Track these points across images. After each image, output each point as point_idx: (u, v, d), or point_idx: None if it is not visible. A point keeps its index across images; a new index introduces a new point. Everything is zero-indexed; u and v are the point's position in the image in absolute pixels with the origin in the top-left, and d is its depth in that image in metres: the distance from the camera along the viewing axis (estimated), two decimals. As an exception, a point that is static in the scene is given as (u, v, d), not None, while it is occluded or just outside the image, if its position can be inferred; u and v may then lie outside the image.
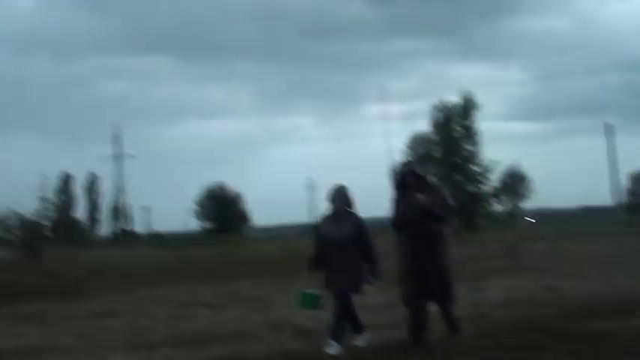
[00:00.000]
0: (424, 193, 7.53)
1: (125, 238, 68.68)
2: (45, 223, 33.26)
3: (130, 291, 15.63)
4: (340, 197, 7.81)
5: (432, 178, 8.03)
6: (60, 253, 31.24)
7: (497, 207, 47.23)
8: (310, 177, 77.34)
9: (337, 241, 7.58)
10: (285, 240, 41.76)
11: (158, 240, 60.57)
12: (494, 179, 44.75)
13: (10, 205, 26.26)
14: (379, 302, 10.15)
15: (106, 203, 77.71)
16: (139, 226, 78.42)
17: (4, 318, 11.86)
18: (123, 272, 21.85)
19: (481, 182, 44.07)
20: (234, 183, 70.62)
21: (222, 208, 67.79)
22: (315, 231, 8.15)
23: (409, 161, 8.49)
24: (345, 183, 7.93)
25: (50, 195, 28.65)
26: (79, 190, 78.10)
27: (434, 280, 7.44)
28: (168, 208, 78.48)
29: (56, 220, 57.53)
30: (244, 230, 68.47)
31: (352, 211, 7.81)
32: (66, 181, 75.59)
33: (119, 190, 75.73)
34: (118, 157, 76.21)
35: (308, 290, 7.88)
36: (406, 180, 7.71)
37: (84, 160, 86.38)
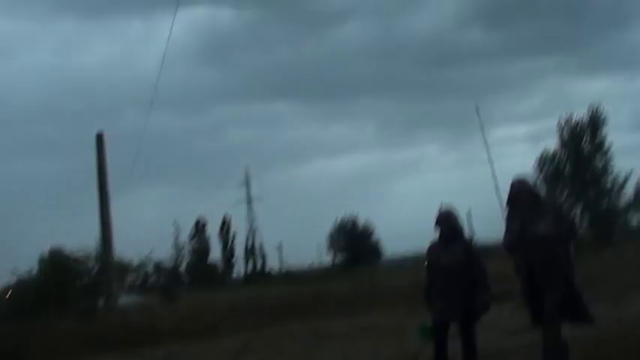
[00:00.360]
0: (539, 213, 6.94)
1: (259, 277, 69.77)
2: (180, 268, 34.17)
3: (264, 328, 15.56)
4: (448, 221, 7.45)
5: (548, 198, 7.33)
6: (196, 296, 32.01)
7: (635, 220, 44.85)
8: (440, 204, 75.88)
9: (447, 267, 7.23)
10: (419, 270, 40.88)
11: (291, 276, 61.16)
12: (629, 192, 42.33)
13: (147, 252, 27.02)
14: (516, 325, 9.46)
15: (239, 245, 79.46)
16: (272, 265, 79.66)
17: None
18: (256, 310, 21.88)
19: (615, 196, 42.01)
20: (364, 215, 70.71)
21: (353, 241, 68.00)
22: (426, 259, 7.71)
23: (522, 179, 7.58)
24: (453, 206, 7.61)
25: (185, 241, 29.63)
26: (213, 235, 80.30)
27: (563, 300, 6.70)
28: (300, 245, 79.32)
29: (192, 265, 59.20)
30: (377, 262, 68.12)
31: (461, 235, 7.51)
32: (200, 226, 77.86)
33: (252, 231, 77.35)
34: (249, 200, 78.20)
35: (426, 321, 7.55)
36: (519, 198, 7.07)
37: (216, 206, 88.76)
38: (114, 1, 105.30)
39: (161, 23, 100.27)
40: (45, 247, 24.01)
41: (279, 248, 78.94)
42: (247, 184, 78.58)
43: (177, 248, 29.29)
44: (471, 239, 7.68)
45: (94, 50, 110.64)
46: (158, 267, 29.53)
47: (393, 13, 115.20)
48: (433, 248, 7.55)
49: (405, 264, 63.41)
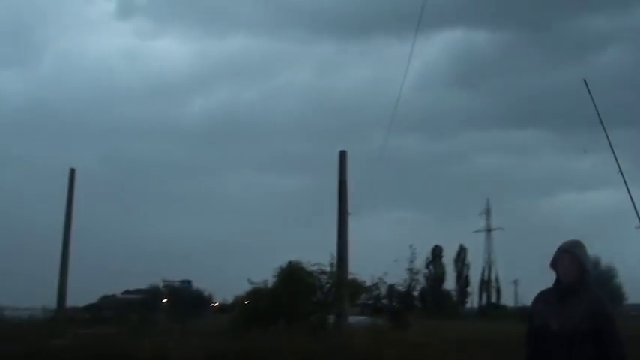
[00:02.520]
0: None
1: (492, 311, 67.33)
2: (414, 293, 33.57)
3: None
4: (572, 260, 4.89)
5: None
6: (426, 324, 31.14)
7: None
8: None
9: (560, 334, 4.75)
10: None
11: (526, 314, 58.23)
12: None
13: (381, 274, 26.73)
14: None
15: (474, 275, 77.55)
16: (506, 300, 76.68)
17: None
18: (485, 345, 20.61)
19: None
20: (607, 256, 65.59)
21: (595, 283, 63.26)
22: (529, 317, 5.17)
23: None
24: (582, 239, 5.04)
25: (420, 267, 29.05)
26: (448, 263, 79.15)
27: None
28: (537, 282, 75.55)
29: (426, 292, 58.47)
30: (618, 306, 62.75)
31: (590, 285, 4.96)
32: (437, 253, 77.06)
33: (489, 262, 75.21)
34: (488, 230, 76.11)
35: None
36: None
37: (455, 234, 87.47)
38: (373, 22, 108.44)
39: (418, 46, 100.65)
40: (283, 259, 24.56)
41: (515, 283, 75.84)
42: (488, 213, 76.57)
43: (412, 273, 28.65)
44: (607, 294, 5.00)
45: (349, 71, 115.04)
46: (391, 290, 29.18)
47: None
48: (541, 301, 5.09)
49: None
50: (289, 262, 24.31)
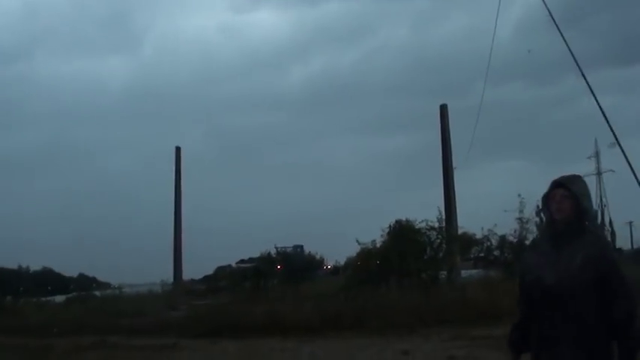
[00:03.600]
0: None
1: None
2: (525, 243, 32.69)
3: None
4: (567, 197, 3.90)
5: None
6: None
7: None
8: None
9: (556, 289, 3.74)
10: None
11: None
12: None
13: (490, 226, 26.14)
14: None
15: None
16: (622, 243, 73.92)
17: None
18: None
19: None
20: None
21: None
22: (520, 274, 4.11)
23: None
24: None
25: (530, 216, 28.13)
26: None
27: None
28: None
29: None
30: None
31: (590, 227, 3.93)
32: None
33: (600, 206, 72.58)
34: (599, 174, 73.37)
35: None
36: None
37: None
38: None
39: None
40: (391, 219, 24.38)
41: (630, 225, 72.95)
42: (597, 156, 73.65)
43: (522, 223, 27.81)
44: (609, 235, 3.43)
45: (447, 23, 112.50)
46: (502, 241, 28.51)
47: None
48: (533, 252, 4.17)
49: None
50: (397, 222, 24.12)
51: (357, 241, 24.13)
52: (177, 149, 39.08)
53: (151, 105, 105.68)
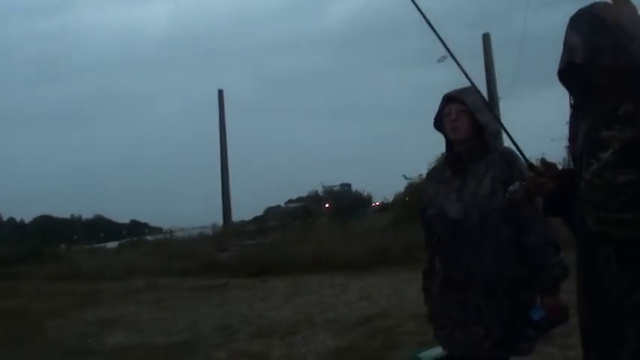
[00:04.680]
0: None
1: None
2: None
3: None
4: (462, 111, 3.34)
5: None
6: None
7: None
8: None
9: (462, 221, 3.24)
10: None
11: None
12: None
13: (539, 157, 25.63)
14: None
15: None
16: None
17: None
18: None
19: None
20: None
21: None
22: (420, 211, 3.60)
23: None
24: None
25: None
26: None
27: None
28: None
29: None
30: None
31: (493, 145, 3.34)
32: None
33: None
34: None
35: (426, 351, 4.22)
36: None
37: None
38: None
39: None
40: (436, 152, 24.01)
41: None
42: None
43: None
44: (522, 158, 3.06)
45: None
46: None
47: None
48: (432, 181, 3.60)
49: None
50: (442, 154, 23.77)
51: (404, 176, 23.89)
52: (220, 92, 38.89)
53: (192, 50, 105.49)
